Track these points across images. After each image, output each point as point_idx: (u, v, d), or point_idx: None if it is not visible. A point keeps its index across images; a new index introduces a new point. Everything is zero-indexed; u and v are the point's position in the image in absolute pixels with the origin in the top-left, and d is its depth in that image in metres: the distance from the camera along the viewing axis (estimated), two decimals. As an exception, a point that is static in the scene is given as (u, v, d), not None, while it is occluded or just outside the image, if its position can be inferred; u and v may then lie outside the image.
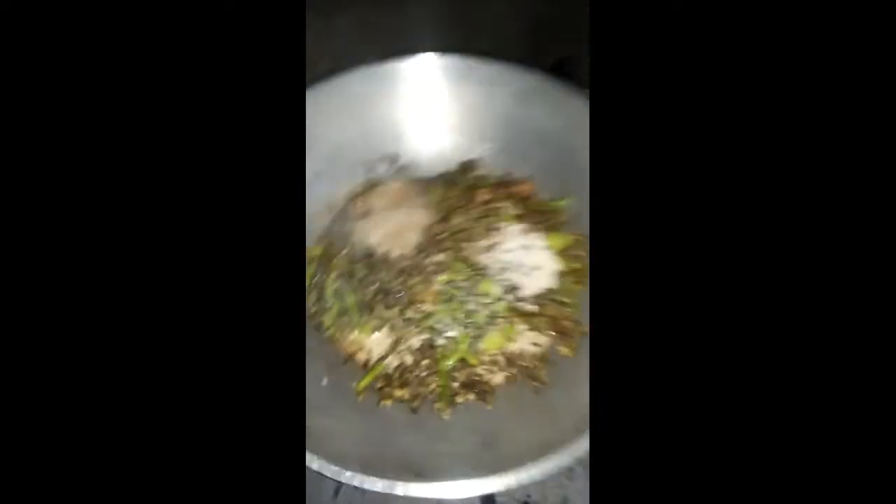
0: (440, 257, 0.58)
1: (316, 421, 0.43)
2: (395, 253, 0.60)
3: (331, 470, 0.38)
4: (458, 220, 0.61)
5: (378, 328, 0.55)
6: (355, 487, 0.49)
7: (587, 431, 0.40)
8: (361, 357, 0.54)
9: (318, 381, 0.50)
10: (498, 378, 0.52)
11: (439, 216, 0.62)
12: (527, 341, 0.55)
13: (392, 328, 0.55)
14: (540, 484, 0.50)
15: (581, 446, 0.40)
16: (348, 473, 0.38)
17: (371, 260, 0.59)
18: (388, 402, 0.50)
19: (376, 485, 0.38)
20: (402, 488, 0.38)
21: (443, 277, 0.57)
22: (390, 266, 0.58)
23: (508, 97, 0.63)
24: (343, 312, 0.56)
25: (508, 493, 0.49)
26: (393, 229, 0.63)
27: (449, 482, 0.38)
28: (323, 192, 0.65)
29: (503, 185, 0.64)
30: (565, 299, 0.56)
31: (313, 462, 0.39)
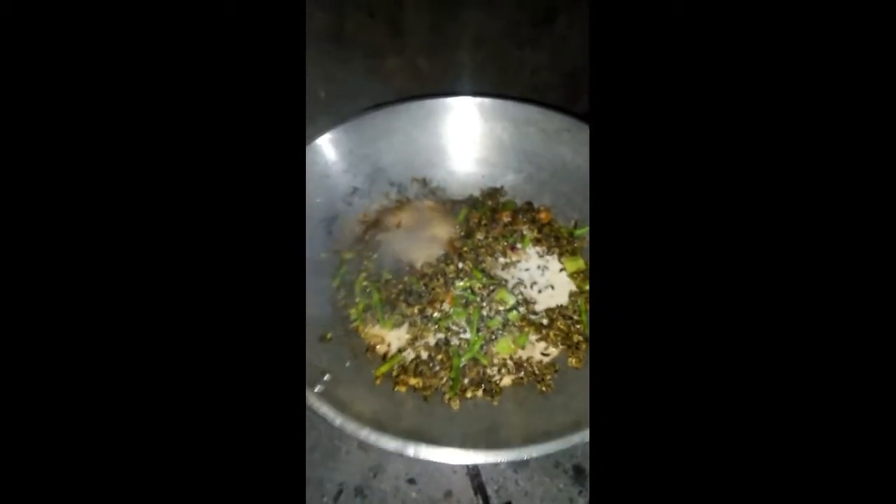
0: (461, 265, 0.63)
1: (341, 391, 0.48)
2: (420, 262, 0.65)
3: (351, 427, 0.42)
4: (480, 237, 0.67)
5: (399, 324, 0.60)
6: (355, 492, 0.51)
7: (579, 428, 0.44)
8: (381, 349, 0.58)
9: (342, 363, 0.55)
10: (506, 380, 0.56)
11: (463, 232, 0.68)
12: (537, 350, 0.59)
13: (412, 325, 0.59)
14: (527, 495, 0.51)
15: (571, 439, 0.43)
16: (365, 431, 0.42)
17: (397, 265, 0.65)
18: (403, 389, 0.54)
19: (389, 444, 0.41)
20: (413, 450, 0.41)
21: (462, 283, 0.62)
22: (414, 272, 0.64)
23: (536, 136, 0.70)
24: (368, 308, 0.61)
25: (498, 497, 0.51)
26: (419, 242, 0.69)
27: (452, 450, 0.42)
28: (359, 205, 0.72)
29: (524, 211, 0.70)
30: (575, 316, 0.60)
31: (337, 419, 0.43)
